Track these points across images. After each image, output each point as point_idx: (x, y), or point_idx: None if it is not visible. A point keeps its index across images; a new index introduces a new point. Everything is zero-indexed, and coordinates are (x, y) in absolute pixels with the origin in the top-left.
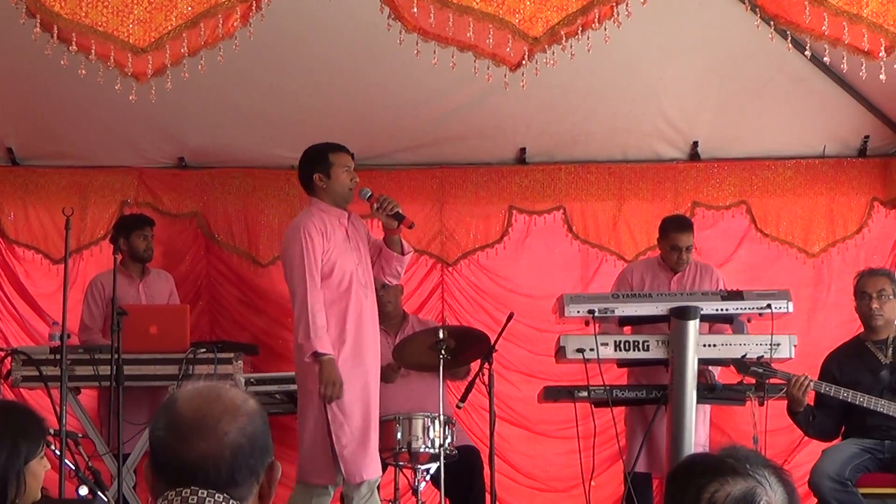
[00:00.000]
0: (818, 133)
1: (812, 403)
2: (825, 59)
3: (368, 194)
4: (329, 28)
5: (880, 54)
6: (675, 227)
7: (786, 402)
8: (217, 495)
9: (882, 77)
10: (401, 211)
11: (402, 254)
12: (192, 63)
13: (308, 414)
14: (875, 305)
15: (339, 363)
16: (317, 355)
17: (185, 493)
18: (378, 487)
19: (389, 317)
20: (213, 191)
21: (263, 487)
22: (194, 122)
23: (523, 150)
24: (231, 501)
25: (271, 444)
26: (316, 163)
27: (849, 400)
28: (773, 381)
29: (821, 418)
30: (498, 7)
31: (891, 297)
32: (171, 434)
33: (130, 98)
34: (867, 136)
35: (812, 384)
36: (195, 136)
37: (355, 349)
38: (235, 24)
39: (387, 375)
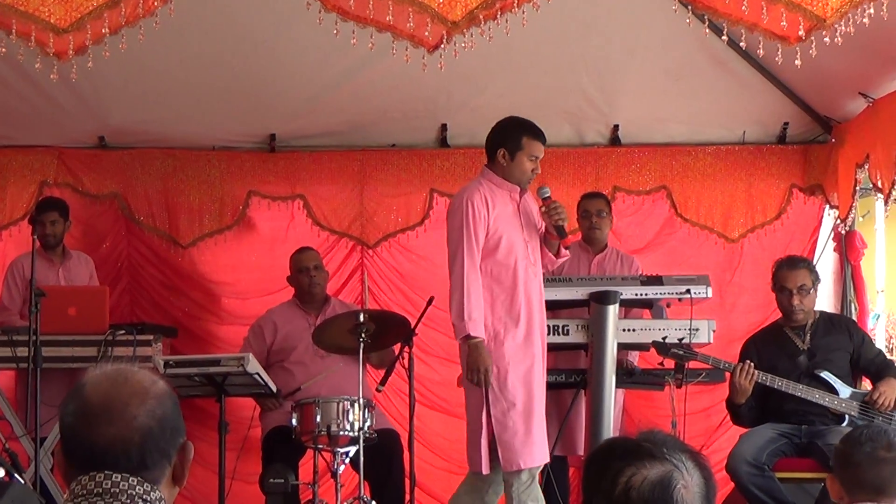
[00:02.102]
0: (738, 118)
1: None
2: (741, 43)
3: (546, 194)
4: (251, 7)
5: (799, 33)
6: (585, 196)
7: (707, 386)
8: (131, 479)
9: (797, 63)
10: (564, 227)
11: (557, 256)
12: (113, 42)
13: (469, 398)
14: (795, 301)
15: (510, 343)
16: (467, 338)
17: (99, 477)
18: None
19: (314, 298)
20: (134, 171)
21: (176, 468)
22: (115, 102)
23: (444, 126)
24: (144, 485)
25: (183, 424)
26: (507, 138)
27: (775, 386)
28: (692, 365)
29: (751, 405)
30: None
31: (811, 289)
32: (80, 419)
33: (52, 77)
34: (787, 123)
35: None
36: (116, 115)
37: (528, 329)
38: (156, 2)
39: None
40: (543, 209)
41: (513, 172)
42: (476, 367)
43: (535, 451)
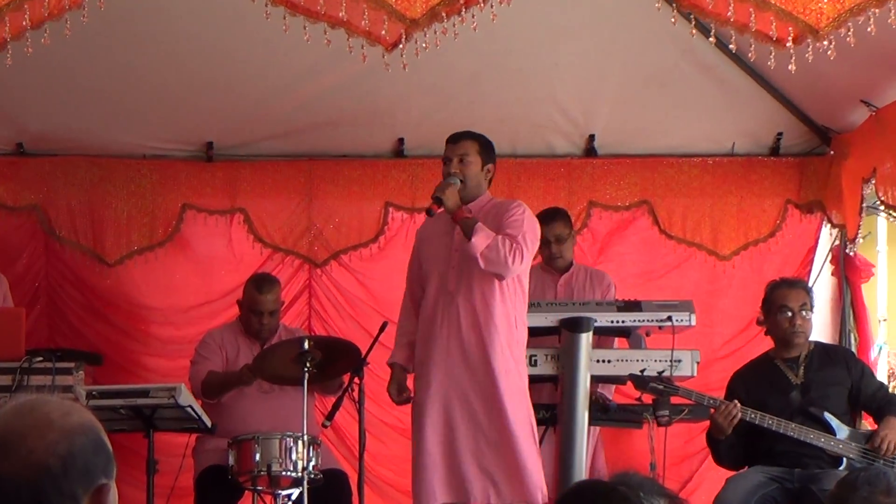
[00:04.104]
0: (727, 128)
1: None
2: (731, 46)
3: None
4: (189, 1)
5: (788, 44)
6: (541, 218)
7: (690, 424)
8: None
9: (791, 67)
10: (441, 198)
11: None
12: (35, 37)
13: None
14: (798, 322)
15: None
16: None
17: None
18: None
19: (262, 336)
20: (55, 181)
21: None
22: (35, 104)
23: (401, 140)
24: None
25: (101, 464)
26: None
27: (765, 425)
28: (673, 400)
29: (732, 442)
30: None
31: (810, 312)
32: None
33: None
34: (780, 133)
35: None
36: (36, 119)
37: (421, 358)
38: None
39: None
40: None
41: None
42: None
43: (419, 493)
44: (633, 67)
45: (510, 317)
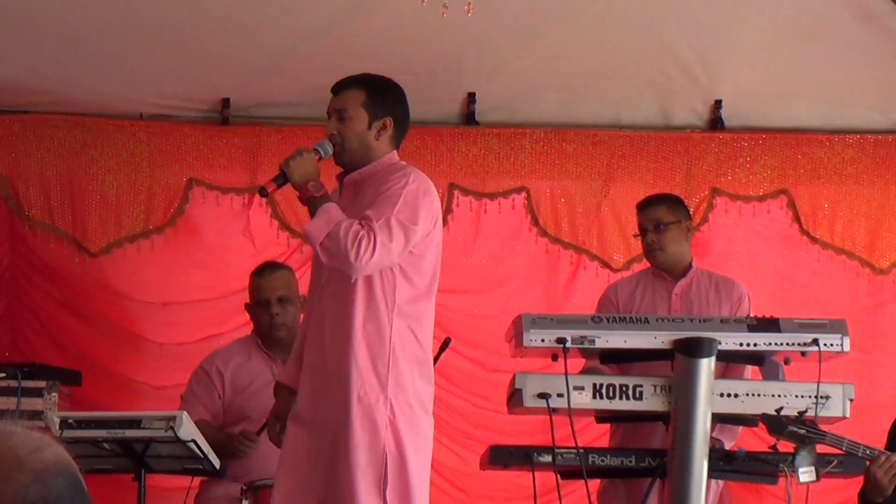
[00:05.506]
0: (893, 97)
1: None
2: None
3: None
4: None
5: None
6: (638, 206)
7: (839, 480)
8: None
9: None
10: (286, 173)
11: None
12: None
13: None
14: None
15: None
16: None
17: None
18: None
19: (283, 342)
20: (26, 146)
21: None
22: (1, 47)
23: (472, 96)
24: None
25: None
26: None
27: None
28: (819, 449)
29: None
30: None
31: None
32: None
33: None
34: None
35: None
36: (2, 66)
37: None
38: None
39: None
40: None
41: None
42: None
43: None
44: (773, 12)
45: (384, 327)
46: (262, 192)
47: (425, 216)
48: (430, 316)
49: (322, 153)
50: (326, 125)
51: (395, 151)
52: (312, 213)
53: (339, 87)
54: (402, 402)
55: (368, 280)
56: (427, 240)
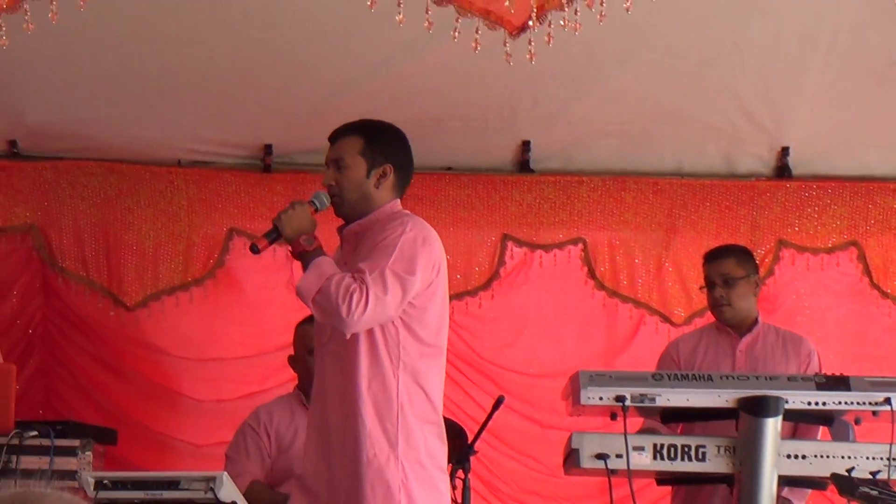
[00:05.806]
0: None
1: None
2: None
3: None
4: None
5: None
6: (705, 256)
7: None
8: None
9: None
10: (278, 228)
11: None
12: (37, 9)
13: None
14: None
15: None
16: None
17: None
18: None
19: None
20: (58, 193)
21: None
22: (34, 92)
23: (527, 144)
24: None
25: None
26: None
27: None
28: None
29: None
30: None
31: None
32: None
33: None
34: None
35: None
36: (35, 109)
37: None
38: None
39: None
40: None
41: None
42: None
43: None
44: (842, 57)
45: (390, 385)
46: (254, 249)
47: (424, 265)
48: (440, 371)
49: (318, 205)
50: (324, 176)
51: (397, 200)
52: (305, 268)
53: (336, 136)
54: (413, 462)
55: (371, 337)
56: (429, 290)
